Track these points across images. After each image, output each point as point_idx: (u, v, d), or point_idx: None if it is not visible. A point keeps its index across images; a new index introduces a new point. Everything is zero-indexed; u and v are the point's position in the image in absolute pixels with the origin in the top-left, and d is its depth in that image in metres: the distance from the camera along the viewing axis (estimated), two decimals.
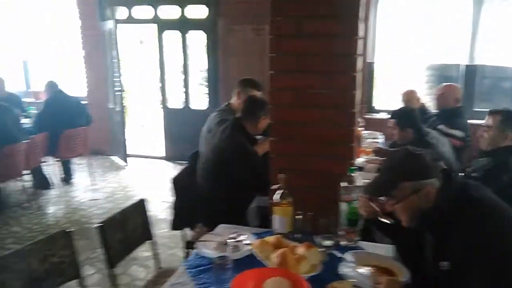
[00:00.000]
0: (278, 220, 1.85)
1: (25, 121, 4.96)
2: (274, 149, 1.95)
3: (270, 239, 1.70)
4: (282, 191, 1.83)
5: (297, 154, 1.92)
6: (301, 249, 1.59)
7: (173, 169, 6.06)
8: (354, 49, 1.84)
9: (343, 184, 1.80)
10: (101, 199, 4.74)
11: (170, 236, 3.39)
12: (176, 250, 3.51)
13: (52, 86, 4.93)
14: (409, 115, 2.95)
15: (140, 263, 3.29)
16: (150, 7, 5.94)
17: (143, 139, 7.65)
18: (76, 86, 6.62)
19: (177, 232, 3.40)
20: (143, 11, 6.07)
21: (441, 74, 5.69)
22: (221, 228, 2.01)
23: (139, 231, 2.22)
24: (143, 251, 3.51)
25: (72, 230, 1.86)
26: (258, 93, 2.93)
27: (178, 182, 2.70)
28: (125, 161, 6.12)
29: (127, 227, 2.12)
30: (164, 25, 5.97)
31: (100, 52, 6.19)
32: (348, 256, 1.64)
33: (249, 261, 1.62)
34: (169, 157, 6.44)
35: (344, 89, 1.85)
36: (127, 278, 3.10)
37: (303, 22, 1.84)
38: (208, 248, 1.77)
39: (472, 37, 4.70)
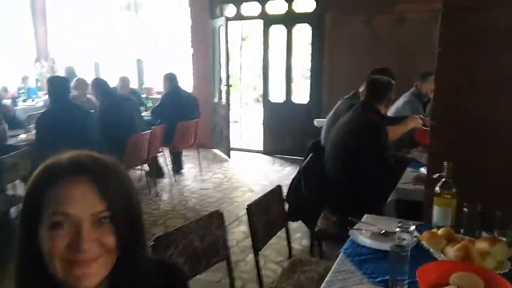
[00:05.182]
0: (439, 212, 1.71)
1: (145, 114, 5.36)
2: (436, 133, 1.79)
3: (439, 231, 1.56)
4: (444, 180, 1.68)
5: (462, 143, 1.74)
6: (483, 244, 1.43)
7: (272, 163, 6.11)
8: None
9: None
10: (210, 189, 4.93)
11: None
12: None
13: (171, 79, 5.22)
14: None
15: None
16: (257, 3, 6.06)
17: (242, 133, 7.85)
18: (183, 83, 7.02)
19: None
20: (251, 8, 6.21)
21: None
22: (369, 217, 1.90)
23: (278, 218, 2.22)
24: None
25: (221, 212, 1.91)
26: None
27: (307, 172, 2.68)
28: (228, 154, 6.31)
29: (271, 211, 2.13)
30: (270, 20, 6.05)
31: (207, 49, 6.48)
32: None
33: (418, 253, 1.50)
34: (267, 151, 6.51)
35: None
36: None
37: None
38: (364, 236, 1.69)
39: None
